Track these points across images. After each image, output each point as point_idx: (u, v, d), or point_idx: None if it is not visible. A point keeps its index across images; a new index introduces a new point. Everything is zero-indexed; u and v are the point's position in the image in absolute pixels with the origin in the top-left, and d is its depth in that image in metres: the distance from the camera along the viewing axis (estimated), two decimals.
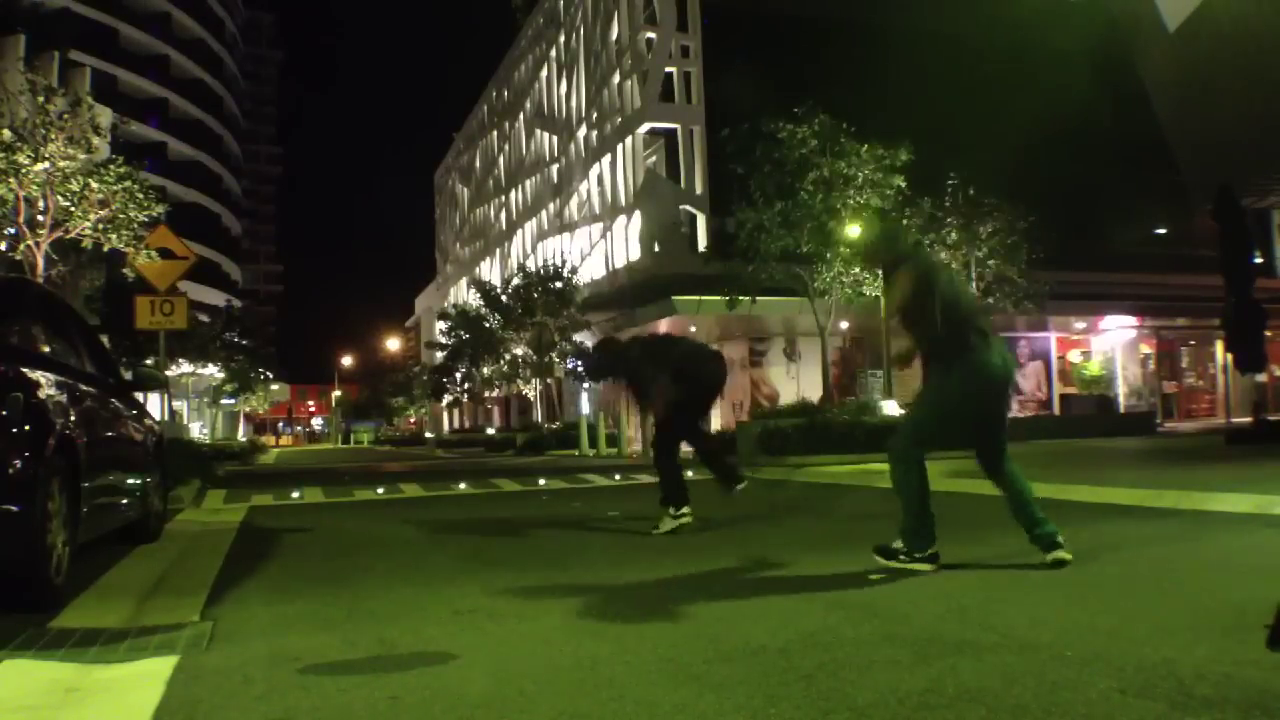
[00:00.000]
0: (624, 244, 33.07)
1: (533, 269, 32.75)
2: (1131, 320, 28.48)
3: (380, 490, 11.62)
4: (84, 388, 4.60)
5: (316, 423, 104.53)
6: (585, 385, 30.20)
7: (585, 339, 29.29)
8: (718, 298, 19.76)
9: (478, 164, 57.53)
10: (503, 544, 5.87)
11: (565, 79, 40.01)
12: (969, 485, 8.58)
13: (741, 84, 25.70)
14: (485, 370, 38.91)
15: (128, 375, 5.99)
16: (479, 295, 38.48)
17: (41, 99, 12.67)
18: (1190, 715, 2.06)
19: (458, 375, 42.87)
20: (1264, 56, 13.06)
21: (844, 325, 23.11)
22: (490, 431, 39.46)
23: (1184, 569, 4.05)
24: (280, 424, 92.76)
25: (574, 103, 38.85)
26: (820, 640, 2.89)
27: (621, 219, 33.23)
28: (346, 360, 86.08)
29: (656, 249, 30.38)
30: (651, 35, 31.71)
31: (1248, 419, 18.36)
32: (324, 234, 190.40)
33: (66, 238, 12.99)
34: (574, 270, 31.39)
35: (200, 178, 56.45)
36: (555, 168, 41.62)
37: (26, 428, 3.50)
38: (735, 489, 6.46)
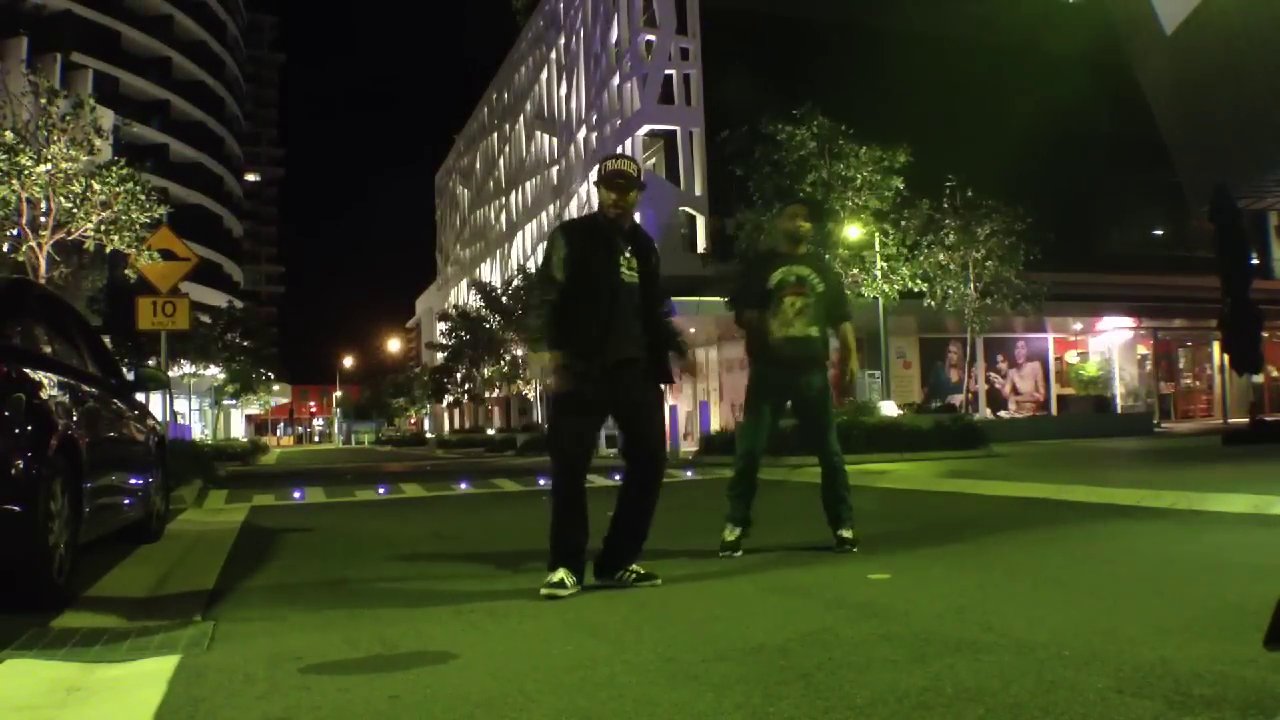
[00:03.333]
0: None
1: (533, 270, 32.79)
2: (1129, 321, 28.50)
3: (381, 490, 11.63)
4: (86, 388, 4.62)
5: (317, 423, 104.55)
6: None
7: None
8: (717, 299, 19.77)
9: (478, 166, 57.57)
10: (503, 544, 5.88)
11: (565, 81, 40.03)
12: (966, 485, 8.61)
13: (741, 86, 25.72)
14: (486, 371, 38.93)
15: (130, 376, 6.00)
16: (479, 296, 38.53)
17: (44, 101, 12.72)
18: (1187, 714, 2.07)
19: (458, 376, 42.90)
20: (1260, 59, 13.08)
21: None
22: (491, 432, 39.49)
23: (1181, 569, 4.06)
24: (281, 424, 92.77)
25: (574, 105, 38.88)
26: (819, 639, 2.91)
27: None
28: (347, 361, 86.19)
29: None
30: (651, 38, 31.72)
31: (1245, 420, 18.40)
32: (325, 235, 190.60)
33: (69, 239, 13.02)
34: None
35: (202, 179, 56.43)
36: (555, 170, 41.65)
37: (29, 428, 3.52)
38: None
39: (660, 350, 4.13)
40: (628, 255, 4.00)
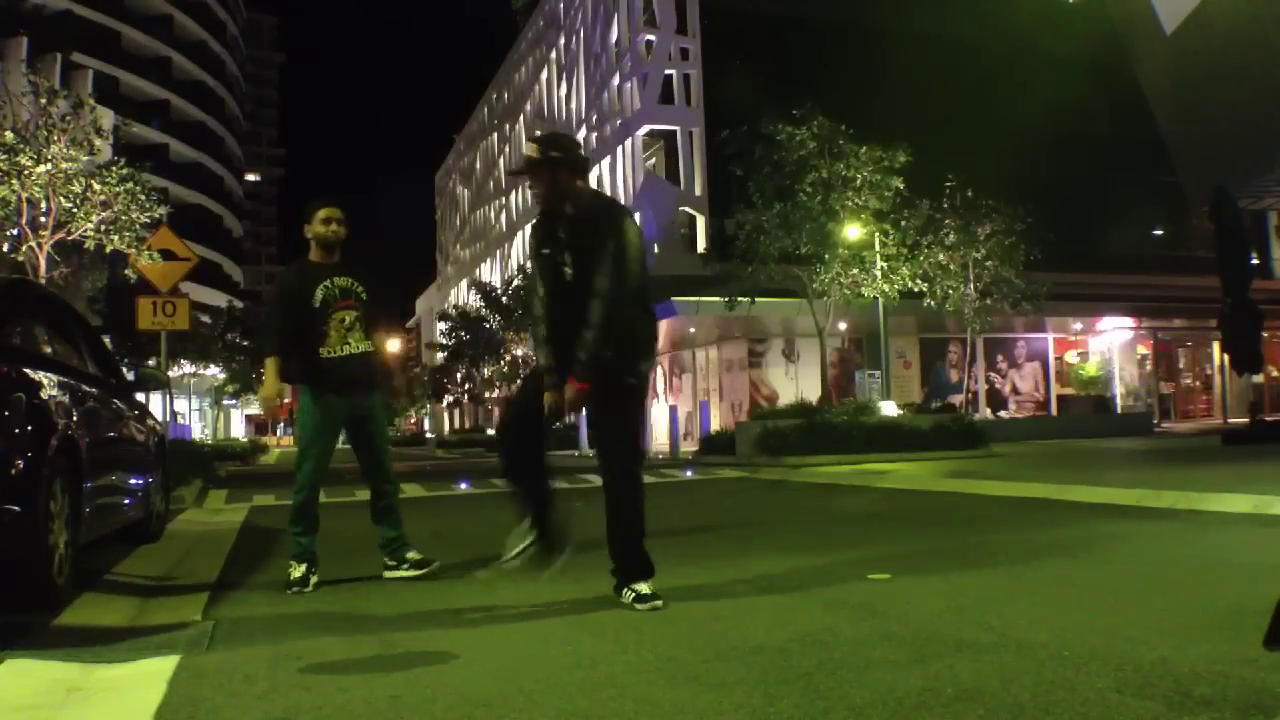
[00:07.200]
0: None
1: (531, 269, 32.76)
2: (1129, 321, 28.51)
3: None
4: (86, 388, 4.61)
5: None
6: None
7: None
8: (717, 299, 19.79)
9: (478, 165, 57.58)
10: (502, 544, 5.87)
11: (565, 81, 40.03)
12: (966, 485, 8.61)
13: (741, 86, 25.75)
14: (486, 371, 38.95)
15: (130, 376, 6.00)
16: (479, 296, 38.56)
17: (44, 101, 12.73)
18: (1187, 715, 2.07)
19: (458, 376, 42.92)
20: (1260, 59, 13.10)
21: (842, 326, 23.13)
22: (491, 432, 39.48)
23: (1181, 569, 4.06)
24: (282, 424, 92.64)
25: (574, 105, 38.88)
26: (819, 639, 2.91)
27: None
28: None
29: (656, 250, 30.38)
30: (651, 38, 31.72)
31: (1244, 420, 18.40)
32: None
33: (69, 239, 13.03)
34: None
35: (202, 179, 56.45)
36: None
37: (29, 428, 3.51)
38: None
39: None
40: (558, 248, 3.65)
